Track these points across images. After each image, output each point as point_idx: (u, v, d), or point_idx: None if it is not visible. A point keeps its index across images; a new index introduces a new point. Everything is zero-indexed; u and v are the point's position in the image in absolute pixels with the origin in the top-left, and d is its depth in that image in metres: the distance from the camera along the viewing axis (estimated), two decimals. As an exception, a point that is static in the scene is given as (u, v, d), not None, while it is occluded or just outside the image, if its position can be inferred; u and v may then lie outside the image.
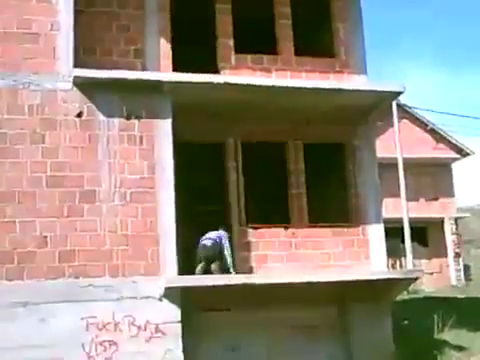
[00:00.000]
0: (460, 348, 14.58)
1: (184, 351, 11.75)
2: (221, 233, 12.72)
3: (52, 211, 11.78)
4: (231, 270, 12.48)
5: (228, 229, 13.02)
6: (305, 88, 12.87)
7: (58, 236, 11.73)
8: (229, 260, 12.53)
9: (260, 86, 12.67)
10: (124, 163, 12.23)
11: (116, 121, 12.29)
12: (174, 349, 11.69)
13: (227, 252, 12.54)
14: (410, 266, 24.01)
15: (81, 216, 11.90)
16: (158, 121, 12.43)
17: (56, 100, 12.12)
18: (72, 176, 11.97)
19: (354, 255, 13.68)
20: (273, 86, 12.69)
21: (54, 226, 11.74)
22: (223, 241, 12.58)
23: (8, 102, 11.96)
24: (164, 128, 12.40)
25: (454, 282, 32.68)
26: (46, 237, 11.69)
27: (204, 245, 12.57)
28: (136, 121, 12.38)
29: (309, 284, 12.34)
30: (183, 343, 11.76)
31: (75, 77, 12.11)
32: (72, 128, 12.14)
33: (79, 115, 12.16)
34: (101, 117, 12.23)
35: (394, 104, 25.90)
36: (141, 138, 12.37)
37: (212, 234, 12.69)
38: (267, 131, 13.55)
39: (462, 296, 25.83)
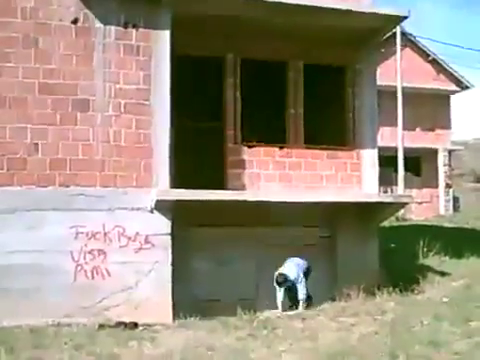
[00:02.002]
0: (443, 274, 14.83)
1: (173, 264, 11.84)
2: (301, 264, 12.48)
3: (44, 118, 11.61)
4: (301, 304, 12.30)
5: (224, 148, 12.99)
6: (307, 6, 12.54)
7: (49, 144, 11.60)
8: (302, 293, 12.33)
9: (260, 0, 12.32)
10: (120, 73, 11.98)
11: (113, 29, 11.96)
12: (163, 261, 11.77)
13: (301, 285, 12.32)
14: (401, 192, 24.18)
15: (74, 125, 11.74)
16: (156, 32, 12.11)
17: (51, 4, 11.77)
18: (65, 84, 11.74)
19: (346, 178, 13.73)
20: (273, 2, 12.34)
21: (46, 133, 11.60)
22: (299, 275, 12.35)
23: (1, 4, 11.57)
24: (162, 39, 12.10)
25: (443, 212, 33.03)
26: (37, 144, 11.56)
27: (285, 277, 12.29)
28: (133, 30, 12.07)
29: (300, 204, 12.42)
30: (172, 256, 11.83)
31: (70, -20, 11.75)
32: (67, 34, 11.82)
33: (75, 21, 11.83)
34: (97, 24, 11.90)
35: (398, 30, 25.58)
36: (138, 48, 12.09)
37: (292, 264, 12.41)
38: (268, 49, 13.32)
39: (449, 225, 26.19)
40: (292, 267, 12.38)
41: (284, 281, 12.24)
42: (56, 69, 11.72)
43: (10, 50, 11.53)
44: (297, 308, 12.25)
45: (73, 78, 11.77)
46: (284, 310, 12.18)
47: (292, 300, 12.43)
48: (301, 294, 12.28)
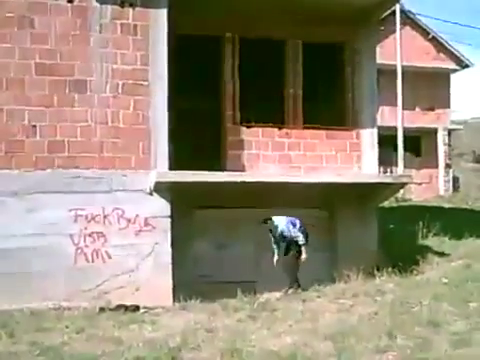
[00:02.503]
0: (442, 254, 14.82)
1: (172, 246, 11.80)
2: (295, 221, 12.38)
3: (41, 100, 11.52)
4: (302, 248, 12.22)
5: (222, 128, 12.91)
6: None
7: (47, 126, 11.52)
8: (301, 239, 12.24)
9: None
10: (117, 53, 11.87)
11: (109, 8, 11.81)
12: (163, 243, 11.72)
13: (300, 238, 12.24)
14: (401, 172, 24.13)
15: (71, 106, 11.65)
16: (153, 10, 11.97)
17: (46, -18, 11.64)
18: (62, 64, 11.63)
19: (346, 159, 13.68)
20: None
21: (43, 115, 11.51)
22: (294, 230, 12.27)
23: (-5, -16, 11.47)
24: (160, 18, 11.96)
25: (442, 192, 32.99)
26: (35, 126, 11.48)
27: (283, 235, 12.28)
28: (130, 9, 11.92)
29: (299, 185, 12.37)
30: (172, 238, 11.79)
31: (66, -41, 11.60)
32: (63, 14, 11.69)
33: (71, 1, 11.69)
34: (94, 3, 11.74)
35: (397, 8, 25.39)
36: (135, 28, 11.96)
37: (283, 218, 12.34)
38: (266, 28, 13.18)
39: (448, 206, 26.18)
40: (282, 219, 12.30)
41: (273, 227, 12.21)
42: (52, 50, 11.61)
43: (5, 30, 11.40)
44: (293, 287, 12.14)
45: (70, 59, 11.66)
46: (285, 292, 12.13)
47: (288, 270, 12.32)
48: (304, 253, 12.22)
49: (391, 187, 13.76)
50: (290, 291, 12.01)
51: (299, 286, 12.14)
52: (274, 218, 12.24)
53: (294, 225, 12.28)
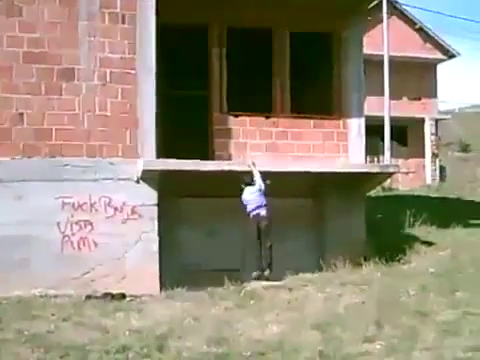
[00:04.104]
0: (429, 244, 14.90)
1: (159, 234, 11.82)
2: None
3: (29, 88, 11.53)
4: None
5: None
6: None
7: (35, 114, 11.53)
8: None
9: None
10: (105, 42, 11.88)
11: (97, -3, 11.81)
12: (149, 231, 11.75)
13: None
14: (387, 162, 24.19)
15: (59, 95, 11.67)
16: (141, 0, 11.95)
17: (34, -30, 11.58)
18: (50, 53, 11.66)
19: (333, 148, 13.70)
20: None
21: (31, 103, 11.52)
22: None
23: (-17, -28, 11.40)
24: (147, 7, 11.95)
25: (429, 182, 33.14)
26: (22, 114, 11.48)
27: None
28: (118, -2, 11.91)
29: (287, 174, 12.38)
30: (159, 226, 11.80)
31: None
32: (51, 2, 11.70)
33: (58, -12, 11.66)
34: (81, -8, 11.75)
35: (385, -2, 25.41)
36: (123, 16, 11.96)
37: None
38: (253, 17, 13.17)
39: (435, 195, 26.28)
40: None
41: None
42: (40, 38, 11.62)
43: (-7, 19, 11.34)
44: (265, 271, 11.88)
45: (58, 47, 11.67)
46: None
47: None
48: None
49: (378, 176, 13.82)
50: (266, 273, 11.93)
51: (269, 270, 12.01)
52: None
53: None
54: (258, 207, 11.87)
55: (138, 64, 11.94)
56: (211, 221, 12.81)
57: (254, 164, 12.14)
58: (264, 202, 11.91)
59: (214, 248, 12.71)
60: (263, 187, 11.92)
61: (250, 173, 12.06)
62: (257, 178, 11.94)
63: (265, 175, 11.98)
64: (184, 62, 14.05)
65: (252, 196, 11.94)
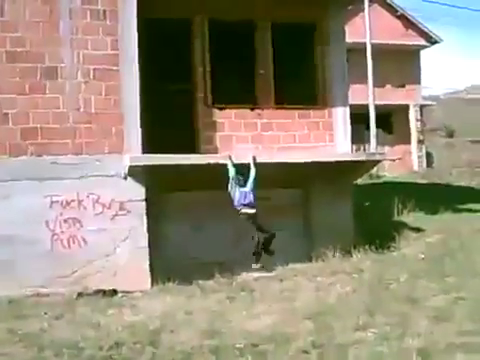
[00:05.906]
0: (418, 230, 14.99)
1: (148, 229, 11.83)
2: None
3: (13, 87, 11.48)
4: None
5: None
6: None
7: (20, 113, 11.48)
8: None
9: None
10: (87, 39, 11.84)
11: (78, -6, 11.76)
12: (138, 227, 11.76)
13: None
14: (373, 150, 24.17)
15: (43, 93, 11.62)
16: (122, -5, 11.92)
17: (14, -31, 11.52)
18: (33, 52, 11.59)
19: (319, 137, 13.77)
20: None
21: (15, 103, 11.47)
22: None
23: (-38, -28, 11.32)
24: (128, 3, 11.91)
25: (416, 168, 33.26)
26: (7, 114, 11.44)
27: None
28: (99, -6, 11.87)
29: (273, 165, 12.39)
30: (148, 222, 11.81)
31: None
32: (32, 1, 11.63)
33: (39, -13, 11.59)
34: (62, -11, 11.69)
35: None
36: (104, 13, 11.92)
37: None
38: (236, 9, 13.14)
39: (422, 181, 26.41)
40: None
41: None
42: (22, 37, 11.55)
43: (-26, 19, 11.28)
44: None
45: (40, 46, 11.61)
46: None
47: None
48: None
49: (365, 165, 13.90)
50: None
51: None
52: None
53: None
54: (246, 205, 11.82)
55: (121, 60, 11.91)
56: (200, 214, 12.81)
57: (254, 158, 12.13)
58: (253, 201, 11.81)
59: (204, 241, 12.73)
60: (253, 186, 11.84)
61: (246, 167, 11.94)
62: (251, 175, 11.90)
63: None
64: (167, 56, 14.03)
65: (241, 194, 11.89)
